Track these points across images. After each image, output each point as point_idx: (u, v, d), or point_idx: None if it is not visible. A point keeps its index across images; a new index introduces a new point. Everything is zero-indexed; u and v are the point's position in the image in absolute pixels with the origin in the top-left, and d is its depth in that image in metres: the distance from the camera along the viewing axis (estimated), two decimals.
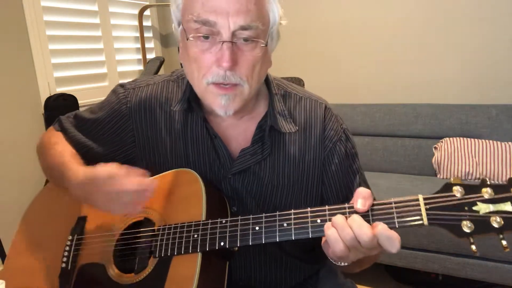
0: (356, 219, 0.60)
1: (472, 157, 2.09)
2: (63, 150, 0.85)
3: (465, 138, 2.18)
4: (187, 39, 0.70)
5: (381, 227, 0.58)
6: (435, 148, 2.25)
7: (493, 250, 1.71)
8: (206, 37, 0.69)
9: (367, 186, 0.84)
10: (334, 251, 0.61)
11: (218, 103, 0.72)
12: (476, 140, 2.15)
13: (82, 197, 0.75)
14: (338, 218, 0.61)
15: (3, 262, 1.59)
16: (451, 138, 2.20)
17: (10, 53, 1.96)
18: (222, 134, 0.81)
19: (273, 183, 0.81)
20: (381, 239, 0.58)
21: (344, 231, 0.59)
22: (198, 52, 0.70)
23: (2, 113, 1.93)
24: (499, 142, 2.09)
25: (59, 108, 2.08)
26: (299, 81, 2.08)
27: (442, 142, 2.23)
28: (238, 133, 0.82)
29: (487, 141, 2.12)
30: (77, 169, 0.77)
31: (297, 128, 0.81)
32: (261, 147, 0.79)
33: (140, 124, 0.85)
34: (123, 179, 0.69)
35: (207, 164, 0.81)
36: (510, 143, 2.08)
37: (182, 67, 0.80)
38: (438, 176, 2.21)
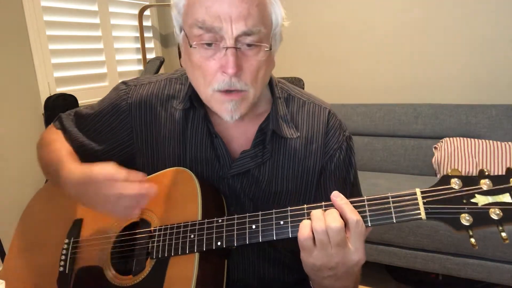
0: (332, 211, 0.61)
1: (472, 157, 2.09)
2: (61, 147, 0.84)
3: (465, 138, 2.17)
4: (190, 46, 0.68)
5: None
6: (435, 148, 2.25)
7: (493, 250, 1.71)
8: (209, 44, 0.67)
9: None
10: (299, 239, 0.62)
11: (225, 109, 0.71)
12: (476, 140, 2.15)
13: (77, 197, 0.74)
14: (317, 212, 0.62)
15: (3, 262, 1.59)
16: (451, 138, 2.20)
17: (10, 53, 1.95)
18: (223, 133, 0.81)
19: (271, 187, 0.80)
20: (345, 208, 0.61)
21: (318, 222, 0.60)
22: (201, 59, 0.68)
23: (2, 113, 1.93)
24: (499, 142, 2.09)
25: (59, 108, 2.08)
26: (299, 81, 2.08)
27: (442, 142, 2.23)
28: (239, 133, 0.81)
29: (487, 141, 2.12)
30: (72, 167, 0.76)
31: (298, 134, 0.80)
32: (261, 151, 0.79)
33: (140, 121, 0.84)
34: (122, 182, 0.68)
35: (204, 164, 0.81)
36: (510, 143, 2.08)
37: (181, 66, 0.80)
38: (438, 176, 2.21)
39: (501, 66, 2.27)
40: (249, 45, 0.67)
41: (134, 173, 0.69)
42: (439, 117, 2.30)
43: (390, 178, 2.25)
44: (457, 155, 2.12)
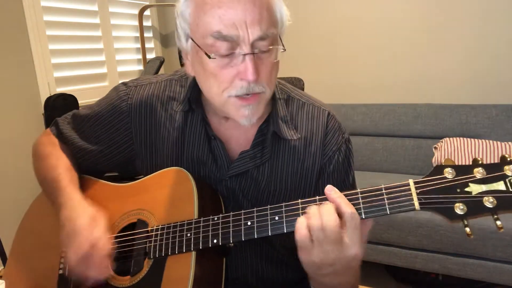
0: (327, 206, 0.61)
1: (472, 157, 2.09)
2: (57, 164, 0.85)
3: (465, 138, 2.18)
4: (209, 57, 0.66)
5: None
6: (435, 148, 2.25)
7: (493, 250, 1.71)
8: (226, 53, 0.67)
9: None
10: (297, 239, 0.61)
11: (242, 114, 0.70)
12: (476, 140, 2.15)
13: (61, 230, 0.76)
14: (312, 208, 0.62)
15: (3, 262, 1.59)
16: (451, 138, 2.20)
17: (10, 53, 1.96)
18: (222, 134, 0.81)
19: (270, 188, 0.80)
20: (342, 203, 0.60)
21: (313, 219, 0.60)
22: (217, 68, 0.67)
23: (2, 113, 1.93)
24: (499, 142, 2.09)
25: (59, 108, 2.08)
26: (299, 81, 2.07)
27: (442, 142, 2.23)
28: (239, 133, 0.81)
29: (487, 141, 2.12)
30: (70, 207, 0.78)
31: (299, 135, 0.80)
32: (261, 151, 0.79)
33: (139, 122, 0.84)
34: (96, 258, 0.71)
35: (202, 166, 0.81)
36: (510, 143, 2.08)
37: (181, 66, 0.80)
38: None
39: (501, 66, 2.27)
40: (263, 50, 0.68)
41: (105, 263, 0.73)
42: (439, 117, 2.30)
43: (390, 178, 2.25)
44: (457, 155, 2.12)
